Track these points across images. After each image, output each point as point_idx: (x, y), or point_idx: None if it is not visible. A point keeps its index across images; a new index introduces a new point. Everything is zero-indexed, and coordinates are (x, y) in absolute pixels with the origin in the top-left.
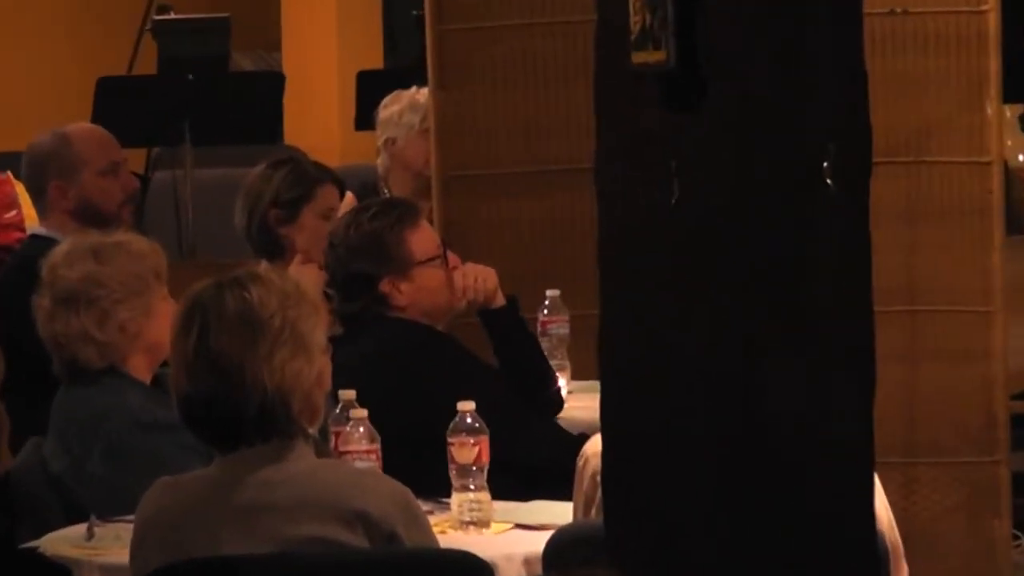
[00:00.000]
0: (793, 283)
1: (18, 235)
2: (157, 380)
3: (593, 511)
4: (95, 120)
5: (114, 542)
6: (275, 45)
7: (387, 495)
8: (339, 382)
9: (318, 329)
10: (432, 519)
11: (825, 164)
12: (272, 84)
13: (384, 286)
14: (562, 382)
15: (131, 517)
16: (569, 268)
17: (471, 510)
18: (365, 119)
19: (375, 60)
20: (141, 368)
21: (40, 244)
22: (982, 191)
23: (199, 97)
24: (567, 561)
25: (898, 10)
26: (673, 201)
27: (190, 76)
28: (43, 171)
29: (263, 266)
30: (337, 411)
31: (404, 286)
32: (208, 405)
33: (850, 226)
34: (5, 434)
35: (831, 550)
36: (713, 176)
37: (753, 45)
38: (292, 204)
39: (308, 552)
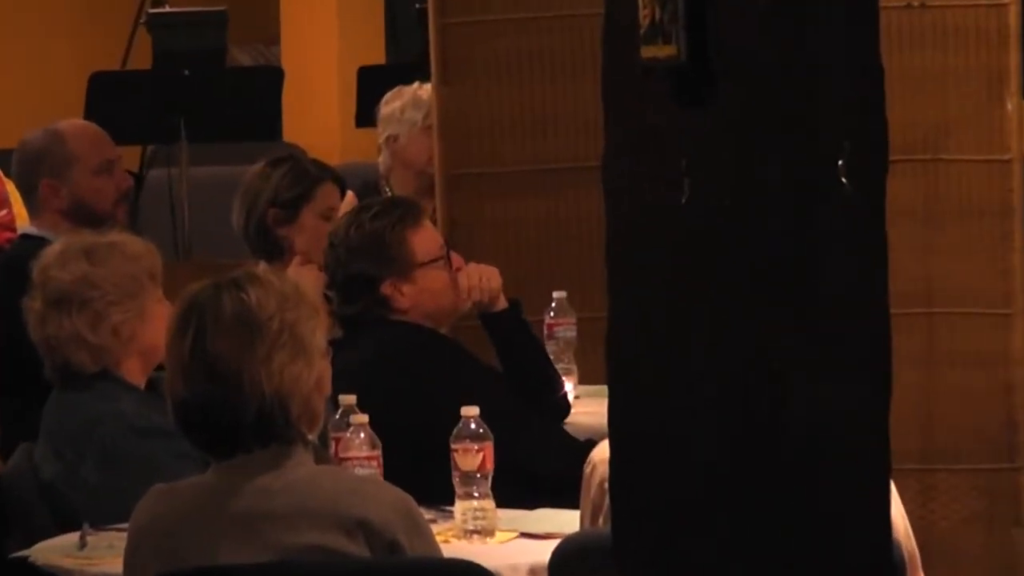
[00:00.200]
0: (807, 285)
1: (8, 235)
2: (152, 384)
3: (601, 519)
4: (88, 116)
5: (107, 551)
6: (274, 39)
7: (388, 503)
8: (339, 386)
9: (318, 332)
10: (435, 528)
11: (840, 162)
12: (271, 79)
13: (385, 288)
14: (569, 387)
15: (125, 525)
16: (576, 269)
17: (475, 518)
18: (366, 116)
19: (376, 55)
20: (135, 372)
21: (31, 244)
22: (1002, 190)
23: (195, 93)
24: (574, 571)
25: (916, 4)
26: (683, 199)
27: (186, 71)
28: (34, 169)
29: (261, 267)
30: (337, 416)
31: (406, 288)
32: (205, 410)
33: (865, 226)
34: None
35: (846, 560)
36: (724, 174)
37: (766, 39)
38: (291, 203)
39: (308, 561)
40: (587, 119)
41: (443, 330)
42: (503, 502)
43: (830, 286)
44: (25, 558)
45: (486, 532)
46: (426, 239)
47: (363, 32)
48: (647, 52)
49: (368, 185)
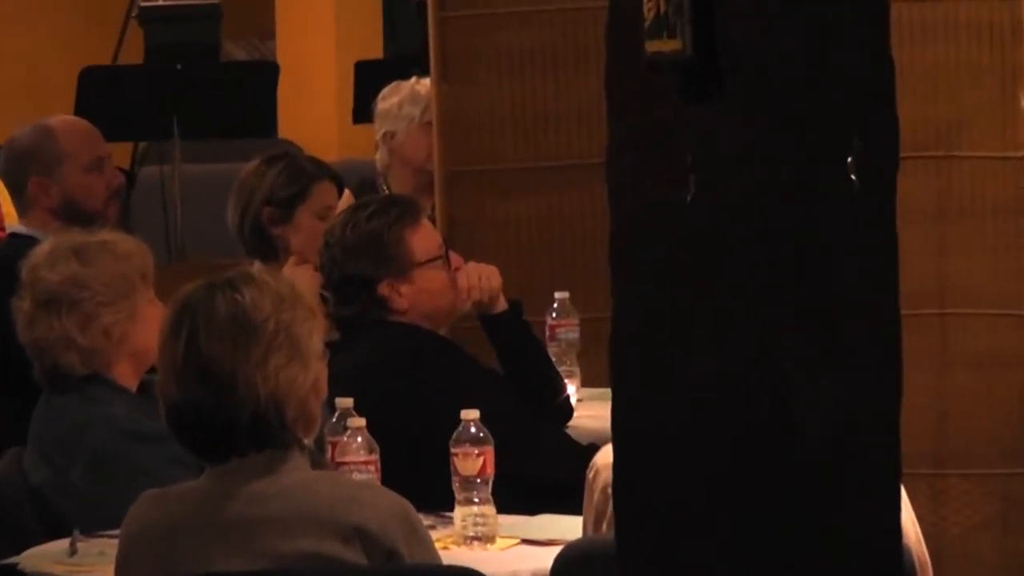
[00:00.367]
0: (815, 285)
1: None
2: (143, 387)
3: (604, 526)
4: (78, 112)
5: (98, 558)
6: (269, 33)
7: (386, 509)
8: (336, 389)
9: (314, 334)
10: (434, 534)
11: (849, 159)
12: (266, 74)
13: (383, 288)
14: (571, 389)
15: (116, 532)
16: (579, 269)
17: (475, 524)
18: (364, 112)
19: (374, 49)
20: (126, 375)
21: (20, 243)
22: (1016, 187)
23: (188, 88)
24: None
25: None
26: (689, 197)
27: (179, 66)
28: (23, 166)
29: (256, 267)
30: (334, 420)
31: (404, 288)
32: (198, 414)
33: (875, 225)
34: None
35: (855, 567)
36: (731, 171)
37: (774, 34)
38: (287, 202)
39: (303, 569)
40: (590, 115)
41: (442, 331)
42: (504, 508)
43: (839, 286)
44: (14, 565)
45: (487, 539)
46: (424, 238)
47: (360, 26)
48: (652, 46)
49: (365, 183)
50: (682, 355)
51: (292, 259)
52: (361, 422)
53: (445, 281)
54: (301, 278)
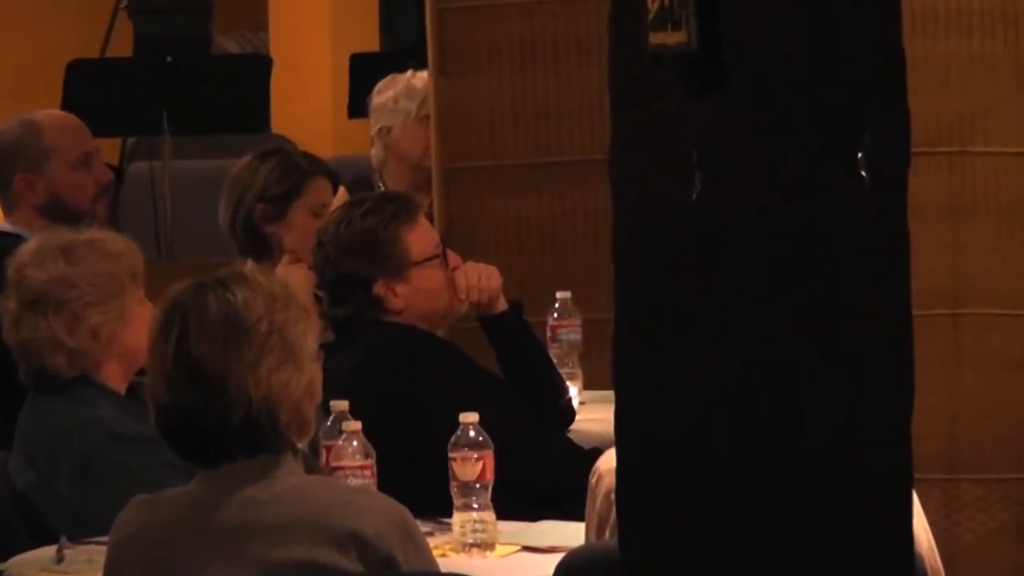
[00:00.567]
0: (823, 284)
1: None
2: (132, 390)
3: (607, 532)
4: (65, 107)
5: (86, 565)
6: (262, 25)
7: (383, 515)
8: (331, 392)
9: (308, 335)
10: (432, 541)
11: (860, 155)
12: (258, 67)
13: (378, 288)
14: (573, 392)
15: (104, 538)
16: (581, 268)
17: (474, 531)
18: (359, 106)
19: (370, 42)
20: (115, 377)
21: (5, 242)
22: None
23: (179, 82)
24: None
25: None
26: (694, 194)
27: (169, 59)
28: (9, 163)
29: (249, 266)
30: (328, 424)
31: (400, 288)
32: (189, 417)
33: (886, 223)
34: None
35: (866, 575)
36: (737, 168)
37: (781, 26)
38: (280, 199)
39: None
40: (593, 109)
41: (439, 333)
42: (504, 514)
43: (847, 286)
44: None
45: (486, 545)
46: (421, 237)
47: (356, 17)
48: (656, 39)
49: (360, 179)
50: (686, 355)
51: (286, 258)
52: (357, 426)
53: (442, 281)
54: (295, 277)
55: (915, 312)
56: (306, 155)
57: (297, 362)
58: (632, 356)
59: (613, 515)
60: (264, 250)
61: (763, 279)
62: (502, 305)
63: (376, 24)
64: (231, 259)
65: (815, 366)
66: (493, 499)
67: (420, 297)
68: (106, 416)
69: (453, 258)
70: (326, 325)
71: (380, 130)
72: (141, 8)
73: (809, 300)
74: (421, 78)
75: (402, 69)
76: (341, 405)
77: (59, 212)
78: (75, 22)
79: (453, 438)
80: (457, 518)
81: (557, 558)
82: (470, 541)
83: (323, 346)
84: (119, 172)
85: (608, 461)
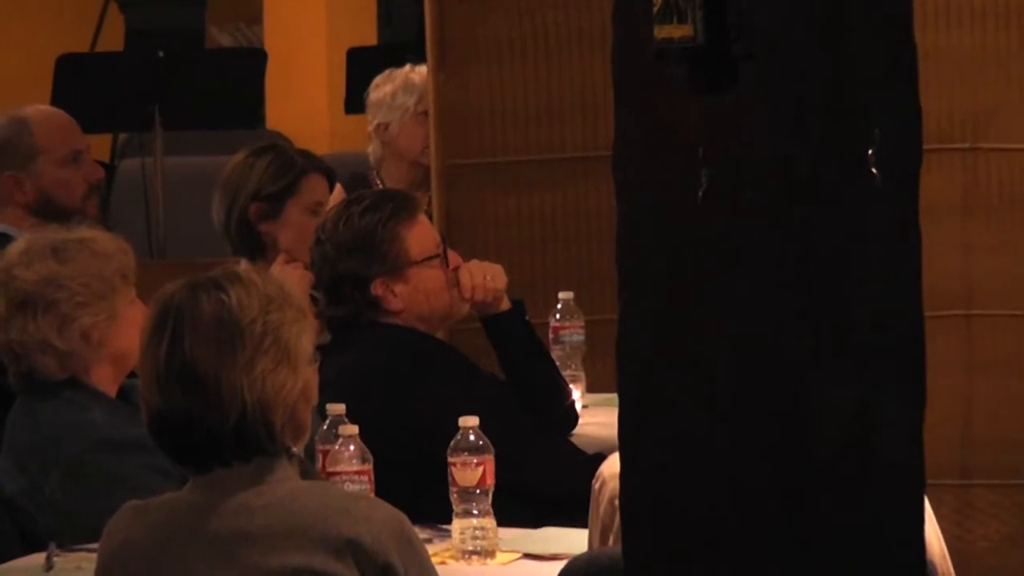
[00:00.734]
0: (833, 285)
1: None
2: (124, 393)
3: (611, 539)
4: (55, 102)
5: (75, 573)
6: (256, 18)
7: (381, 521)
8: (327, 395)
9: (304, 336)
10: (431, 548)
11: (870, 152)
12: (253, 62)
13: (377, 288)
14: (576, 395)
15: (95, 546)
16: (584, 268)
17: (474, 538)
18: (356, 101)
19: (368, 35)
20: (106, 380)
21: None
22: None
23: (171, 76)
24: None
25: None
26: (700, 192)
27: (161, 53)
28: None
29: (243, 266)
30: (325, 428)
31: (399, 288)
32: (181, 421)
33: (898, 221)
34: None
35: None
36: (744, 165)
37: (789, 20)
38: (275, 197)
39: None
40: (596, 105)
41: (438, 334)
42: (504, 520)
43: (859, 286)
44: None
45: (486, 553)
46: (421, 235)
47: (353, 10)
48: (661, 32)
49: (357, 177)
50: (692, 357)
51: (281, 257)
52: (354, 430)
53: (442, 281)
54: (290, 277)
55: (927, 313)
56: (301, 152)
57: (292, 364)
58: (637, 361)
59: (617, 521)
60: (259, 249)
61: (771, 280)
62: (505, 305)
63: (374, 18)
64: (225, 258)
65: (825, 369)
66: (493, 505)
67: (419, 297)
68: (97, 420)
69: (454, 258)
70: (322, 326)
71: (378, 126)
72: (133, 1)
73: (818, 301)
74: (420, 73)
75: (400, 64)
76: (338, 408)
77: (48, 210)
78: (65, 15)
79: (453, 442)
80: (457, 525)
81: (559, 566)
82: (470, 548)
83: (319, 348)
84: (110, 169)
85: (612, 466)
